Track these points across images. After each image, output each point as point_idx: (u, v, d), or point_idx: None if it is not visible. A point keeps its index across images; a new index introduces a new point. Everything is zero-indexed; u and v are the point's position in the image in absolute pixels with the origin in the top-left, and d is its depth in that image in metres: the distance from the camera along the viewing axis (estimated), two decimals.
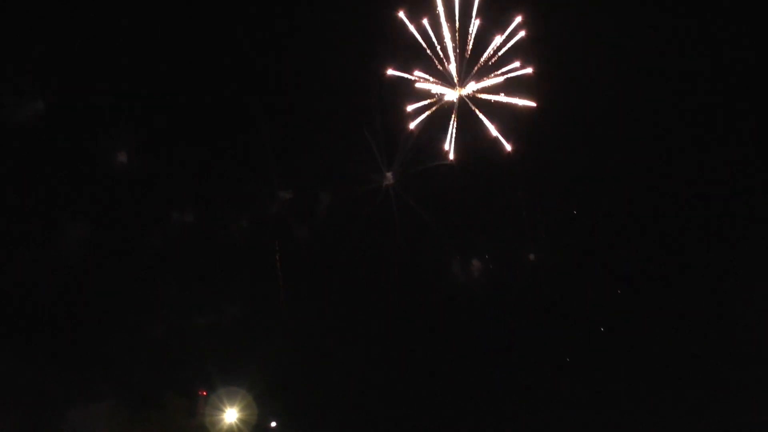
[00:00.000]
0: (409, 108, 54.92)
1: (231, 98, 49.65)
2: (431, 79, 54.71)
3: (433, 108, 55.22)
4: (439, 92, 55.12)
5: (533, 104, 54.50)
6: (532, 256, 54.91)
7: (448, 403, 51.18)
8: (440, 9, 53.83)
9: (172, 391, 47.03)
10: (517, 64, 54.19)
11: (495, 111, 55.07)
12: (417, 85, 54.43)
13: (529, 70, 54.19)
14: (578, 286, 53.23)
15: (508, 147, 55.12)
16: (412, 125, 54.42)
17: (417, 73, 54.72)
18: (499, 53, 54.34)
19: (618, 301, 53.38)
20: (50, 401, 44.44)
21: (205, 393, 47.31)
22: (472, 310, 53.00)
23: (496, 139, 55.25)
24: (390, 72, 53.87)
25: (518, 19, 54.07)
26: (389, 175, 53.85)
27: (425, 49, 54.09)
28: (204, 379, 46.57)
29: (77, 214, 47.63)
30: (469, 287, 53.67)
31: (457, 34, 54.00)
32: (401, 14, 53.12)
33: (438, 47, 54.23)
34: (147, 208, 48.89)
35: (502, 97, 54.88)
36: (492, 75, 54.93)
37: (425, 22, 53.98)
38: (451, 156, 55.38)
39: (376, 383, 49.84)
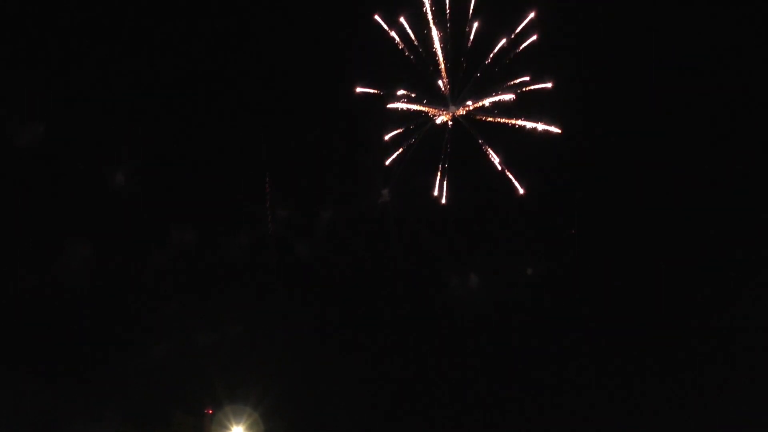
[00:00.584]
0: (387, 137, 49.78)
1: (231, 118, 51.60)
2: (413, 96, 49.43)
3: (419, 135, 49.74)
4: (426, 112, 49.55)
5: (556, 130, 47.78)
6: (529, 271, 52.89)
7: (449, 416, 51.85)
8: (427, 4, 47.87)
9: (179, 410, 48.80)
10: (526, 78, 47.74)
11: (500, 138, 49.07)
12: (390, 106, 49.09)
13: (547, 85, 47.60)
14: (577, 299, 52.87)
15: (521, 189, 49.32)
16: (388, 161, 50.22)
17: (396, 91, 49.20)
18: (506, 61, 47.93)
19: (617, 314, 52.34)
20: (57, 421, 46.38)
21: (211, 411, 48.31)
22: (470, 323, 52.78)
23: (502, 174, 49.11)
24: (360, 89, 48.86)
25: (530, 16, 47.52)
26: (385, 192, 51.85)
27: (408, 57, 48.31)
28: (210, 398, 48.05)
29: (82, 236, 49.73)
30: (467, 300, 52.90)
31: (448, 38, 47.87)
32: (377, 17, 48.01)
33: (424, 53, 48.33)
34: (150, 229, 51.36)
35: (510, 120, 48.47)
36: (496, 91, 48.33)
37: (404, 21, 47.87)
38: (443, 200, 50.31)
39: (380, 397, 51.43)
